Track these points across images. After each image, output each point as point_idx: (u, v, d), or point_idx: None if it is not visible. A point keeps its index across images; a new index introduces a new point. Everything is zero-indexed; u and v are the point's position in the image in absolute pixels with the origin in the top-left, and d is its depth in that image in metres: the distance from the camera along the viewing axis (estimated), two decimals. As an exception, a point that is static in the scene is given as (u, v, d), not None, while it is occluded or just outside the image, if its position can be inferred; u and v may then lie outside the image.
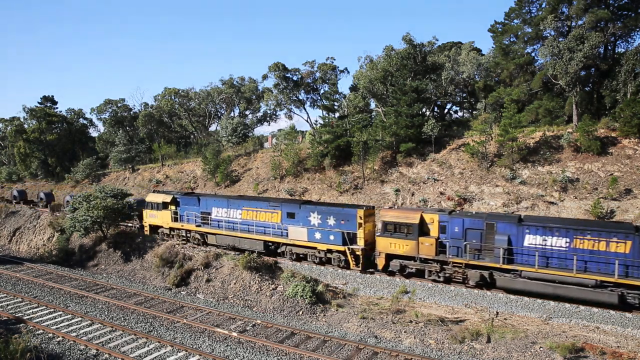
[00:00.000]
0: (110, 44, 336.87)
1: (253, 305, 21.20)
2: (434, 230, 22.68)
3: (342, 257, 25.35)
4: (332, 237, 25.38)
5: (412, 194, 35.24)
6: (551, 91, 39.89)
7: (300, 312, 20.08)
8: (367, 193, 37.25)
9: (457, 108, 57.63)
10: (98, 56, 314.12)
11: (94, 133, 75.18)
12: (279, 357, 15.65)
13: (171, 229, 32.23)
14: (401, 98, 39.07)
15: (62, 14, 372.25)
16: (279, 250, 27.92)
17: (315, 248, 26.23)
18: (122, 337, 17.44)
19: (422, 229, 22.83)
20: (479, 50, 50.20)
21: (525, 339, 16.34)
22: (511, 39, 45.08)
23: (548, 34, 37.16)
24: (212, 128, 67.95)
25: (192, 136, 69.94)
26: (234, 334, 17.54)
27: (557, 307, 19.90)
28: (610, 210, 27.98)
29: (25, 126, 69.52)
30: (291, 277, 22.32)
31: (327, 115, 49.95)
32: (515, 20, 44.57)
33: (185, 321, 18.90)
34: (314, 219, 26.17)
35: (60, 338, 17.39)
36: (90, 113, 66.66)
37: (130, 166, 59.43)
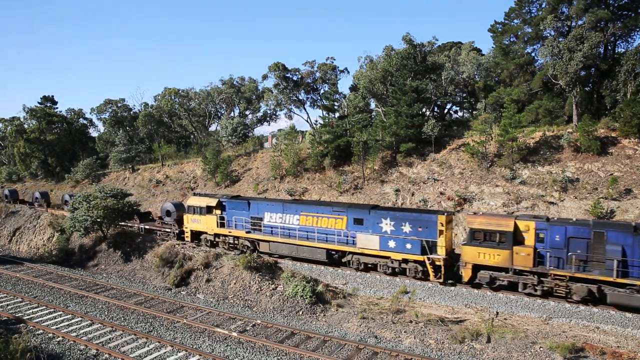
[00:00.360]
0: (110, 44, 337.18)
1: (253, 305, 21.20)
2: (529, 239, 20.72)
3: (420, 268, 23.32)
4: (408, 246, 23.33)
5: (412, 194, 35.26)
6: (551, 91, 39.90)
7: (300, 312, 20.08)
8: (367, 193, 37.27)
9: (457, 108, 57.69)
10: (98, 56, 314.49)
11: (94, 133, 75.25)
12: (279, 357, 15.66)
13: (216, 235, 30.13)
14: (401, 98, 39.07)
15: (62, 14, 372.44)
16: (343, 260, 25.84)
17: (387, 257, 24.16)
18: (122, 337, 17.45)
19: (516, 237, 20.87)
20: (479, 50, 50.21)
21: (525, 339, 16.34)
22: (511, 39, 45.08)
23: (548, 34, 37.16)
24: (212, 128, 67.97)
25: (192, 136, 69.95)
26: (234, 334, 17.54)
27: (557, 307, 19.90)
28: (610, 210, 27.99)
29: (25, 126, 69.53)
30: (291, 277, 22.33)
31: (327, 115, 49.94)
32: (515, 20, 44.57)
33: (185, 321, 18.90)
34: (386, 225, 24.15)
35: (60, 338, 17.39)
36: (90, 113, 66.68)
37: (130, 166, 59.43)
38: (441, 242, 22.76)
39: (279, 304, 20.77)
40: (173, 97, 64.53)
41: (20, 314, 19.94)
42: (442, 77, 44.47)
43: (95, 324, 18.82)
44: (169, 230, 33.38)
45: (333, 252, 26.01)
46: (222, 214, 29.71)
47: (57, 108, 71.71)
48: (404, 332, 17.78)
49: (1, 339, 15.53)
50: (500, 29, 46.37)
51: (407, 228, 23.62)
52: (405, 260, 23.75)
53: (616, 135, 32.39)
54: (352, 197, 37.22)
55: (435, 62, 43.87)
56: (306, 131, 59.09)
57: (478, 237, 21.52)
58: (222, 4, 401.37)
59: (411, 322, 18.38)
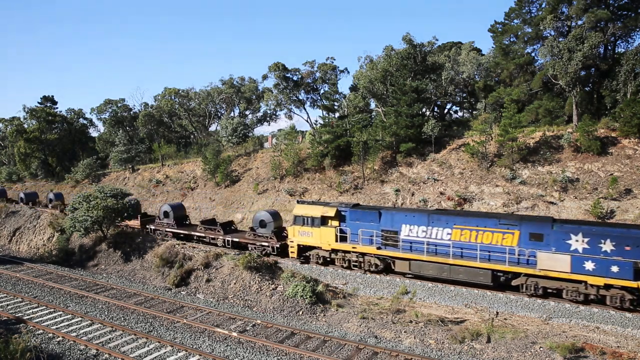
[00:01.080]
0: (110, 44, 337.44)
1: (253, 305, 21.19)
2: None
3: (628, 296, 19.18)
4: (614, 269, 19.09)
5: (412, 194, 35.27)
6: (551, 91, 39.92)
7: (300, 312, 20.07)
8: (367, 193, 37.28)
9: (457, 108, 57.77)
10: (98, 56, 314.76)
11: (94, 133, 75.35)
12: (279, 357, 15.65)
13: (334, 250, 26.10)
14: (401, 98, 39.09)
15: (62, 14, 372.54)
16: (513, 283, 21.52)
17: (580, 282, 19.99)
18: (122, 337, 17.44)
19: None
20: (479, 50, 50.25)
21: (525, 339, 16.34)
22: (511, 39, 45.13)
23: (548, 34, 37.19)
24: (212, 128, 68.01)
25: (192, 136, 69.97)
26: (234, 334, 17.54)
27: (557, 307, 19.91)
28: (610, 210, 28.00)
29: (25, 126, 69.60)
30: (291, 277, 22.31)
31: (327, 115, 49.98)
32: (515, 20, 44.62)
33: (185, 321, 18.89)
34: (577, 242, 20.05)
35: (60, 338, 17.38)
36: (90, 113, 66.78)
37: (130, 166, 59.45)
38: None
39: (279, 304, 20.77)
40: (173, 97, 64.56)
41: (20, 314, 19.93)
42: (442, 77, 44.50)
43: (95, 324, 18.81)
44: (265, 244, 29.13)
45: (500, 274, 21.78)
46: (340, 225, 25.78)
47: (57, 108, 71.85)
48: (404, 332, 17.77)
49: (1, 339, 15.52)
50: (500, 29, 46.40)
51: (608, 246, 19.54)
52: (607, 286, 19.60)
53: (616, 135, 32.40)
54: (352, 197, 37.24)
55: (435, 62, 43.90)
56: (306, 131, 59.16)
57: None
58: (222, 4, 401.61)
59: (411, 322, 18.38)
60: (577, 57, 33.38)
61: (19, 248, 35.69)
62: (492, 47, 48.39)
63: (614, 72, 36.37)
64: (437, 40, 44.91)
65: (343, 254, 25.96)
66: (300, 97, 54.82)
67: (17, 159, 68.42)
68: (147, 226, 35.89)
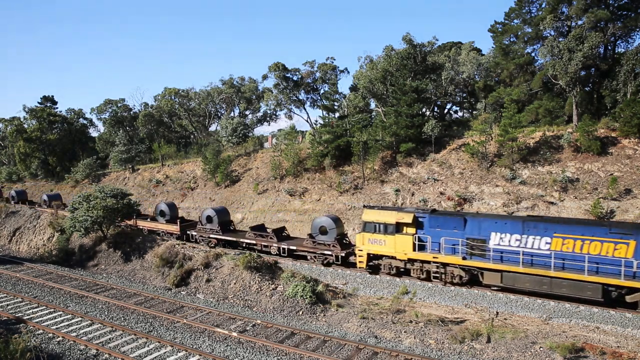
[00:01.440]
0: (110, 44, 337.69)
1: (253, 305, 21.20)
2: None
3: None
4: None
5: (412, 194, 35.27)
6: (551, 91, 39.92)
7: (300, 312, 20.07)
8: (367, 193, 37.28)
9: (457, 108, 57.73)
10: (98, 56, 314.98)
11: (94, 133, 75.36)
12: (279, 357, 15.65)
13: (410, 260, 23.82)
14: (401, 98, 39.09)
15: (62, 14, 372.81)
16: (629, 299, 19.32)
17: None
18: (122, 337, 17.44)
19: None
20: (479, 50, 50.22)
21: (525, 339, 16.34)
22: (511, 39, 45.13)
23: (548, 34, 37.19)
24: (212, 128, 68.01)
25: (192, 136, 69.96)
26: (234, 334, 17.54)
27: (557, 307, 19.91)
28: (610, 210, 28.00)
29: (25, 126, 69.58)
30: (291, 277, 22.30)
31: (327, 115, 50.00)
32: (515, 20, 44.62)
33: (185, 321, 18.89)
34: None
35: (60, 338, 17.39)
36: (90, 113, 66.82)
37: (130, 166, 59.44)
38: None
39: (279, 304, 20.77)
40: (173, 97, 64.57)
41: (20, 314, 19.93)
42: (442, 77, 44.49)
43: (95, 324, 18.82)
44: (328, 252, 26.65)
45: (612, 289, 19.48)
46: (417, 233, 23.61)
47: (57, 108, 71.91)
48: (404, 332, 17.77)
49: (1, 339, 15.51)
50: (500, 29, 46.40)
51: None
52: None
53: (616, 135, 32.41)
54: (352, 197, 37.24)
55: (435, 62, 43.89)
56: (306, 131, 59.17)
57: None
58: (222, 4, 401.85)
59: (411, 322, 18.37)
60: (577, 57, 33.38)
61: (19, 248, 35.69)
62: (492, 47, 48.42)
63: (614, 72, 36.37)
64: (437, 40, 44.96)
65: (421, 264, 23.77)
66: (300, 97, 54.84)
67: (17, 159, 68.42)
68: (188, 232, 33.84)
